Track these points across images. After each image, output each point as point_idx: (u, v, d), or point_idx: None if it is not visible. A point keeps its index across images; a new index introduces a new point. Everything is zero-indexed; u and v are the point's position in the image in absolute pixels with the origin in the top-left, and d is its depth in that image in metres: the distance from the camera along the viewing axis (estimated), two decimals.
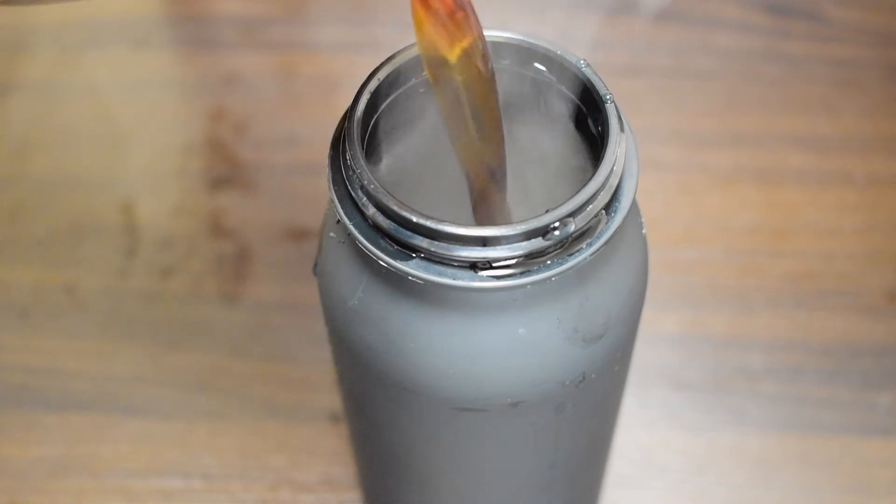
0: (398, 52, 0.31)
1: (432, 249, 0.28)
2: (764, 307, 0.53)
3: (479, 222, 0.32)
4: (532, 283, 0.28)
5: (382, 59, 0.31)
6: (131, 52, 0.65)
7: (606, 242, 0.29)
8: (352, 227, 0.29)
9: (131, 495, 0.48)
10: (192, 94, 0.64)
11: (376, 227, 0.29)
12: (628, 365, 0.36)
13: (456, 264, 0.28)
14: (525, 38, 0.31)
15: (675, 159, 0.59)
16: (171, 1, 0.69)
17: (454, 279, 0.28)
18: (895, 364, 0.51)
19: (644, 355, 0.50)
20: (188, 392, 0.50)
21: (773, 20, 0.66)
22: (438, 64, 0.29)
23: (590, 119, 0.31)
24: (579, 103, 0.31)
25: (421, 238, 0.28)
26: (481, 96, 0.30)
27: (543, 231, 0.28)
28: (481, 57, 0.29)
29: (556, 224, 0.28)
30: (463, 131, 0.30)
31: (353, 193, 0.29)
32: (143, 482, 0.48)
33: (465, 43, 0.29)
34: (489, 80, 0.30)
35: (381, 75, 0.31)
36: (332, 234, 0.32)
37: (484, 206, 0.31)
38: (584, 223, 0.28)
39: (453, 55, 0.29)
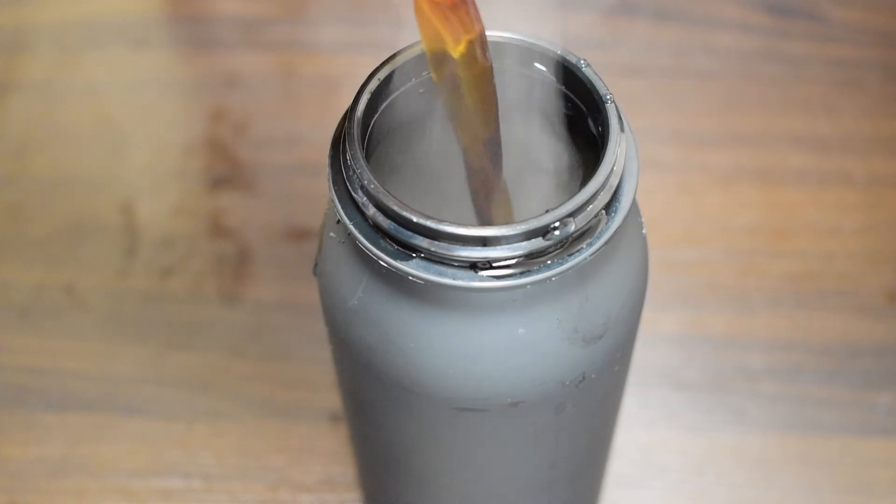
0: (398, 52, 0.31)
1: (432, 249, 0.28)
2: (764, 307, 0.53)
3: (475, 199, 0.31)
4: (532, 283, 0.28)
5: (382, 59, 0.31)
6: (131, 52, 0.65)
7: (606, 242, 0.29)
8: (352, 227, 0.29)
9: (131, 495, 0.48)
10: (192, 94, 0.64)
11: (376, 227, 0.29)
12: (628, 365, 0.36)
13: (456, 264, 0.28)
14: (525, 38, 0.31)
15: (675, 159, 0.59)
16: (171, 1, 0.69)
17: (454, 279, 0.28)
18: (895, 364, 0.51)
19: (644, 355, 0.50)
20: (188, 392, 0.50)
21: (773, 20, 0.66)
22: (441, 58, 0.29)
23: (590, 119, 0.31)
24: (579, 103, 0.31)
25: (421, 238, 0.28)
26: (481, 89, 0.30)
27: (543, 231, 0.28)
28: (481, 50, 0.29)
29: (557, 224, 0.28)
30: (461, 113, 0.30)
31: (353, 193, 0.29)
32: (143, 482, 0.48)
33: (469, 37, 0.29)
34: (489, 72, 0.30)
35: (381, 75, 0.31)
36: (332, 234, 0.32)
37: (479, 181, 0.31)
38: (584, 223, 0.28)
39: (457, 50, 0.29)
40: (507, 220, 0.29)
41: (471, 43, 0.29)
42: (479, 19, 0.29)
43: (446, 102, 0.31)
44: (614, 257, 0.31)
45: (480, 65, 0.29)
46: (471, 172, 0.31)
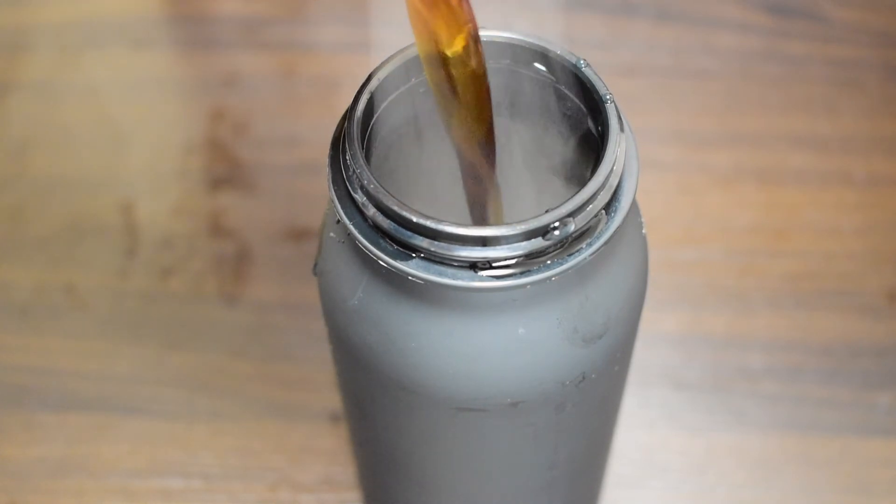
0: (398, 52, 0.31)
1: (432, 249, 0.28)
2: (764, 307, 0.53)
3: (470, 200, 0.31)
4: (532, 283, 0.28)
5: (382, 59, 0.31)
6: (131, 52, 0.65)
7: (606, 242, 0.29)
8: (352, 227, 0.29)
9: (131, 495, 0.48)
10: (192, 94, 0.64)
11: (376, 227, 0.29)
12: (628, 365, 0.36)
13: (456, 264, 0.28)
14: (525, 38, 0.31)
15: (675, 159, 0.59)
16: (171, 1, 0.69)
17: (454, 279, 0.28)
18: (895, 364, 0.51)
19: (644, 355, 0.50)
20: (188, 392, 0.50)
21: (773, 20, 0.66)
22: (435, 57, 0.29)
23: (590, 119, 0.31)
24: (579, 103, 0.31)
25: (421, 238, 0.28)
26: (475, 87, 0.30)
27: (543, 231, 0.28)
28: (475, 47, 0.29)
29: (556, 224, 0.28)
30: (454, 111, 0.30)
31: (353, 193, 0.29)
32: (143, 482, 0.48)
33: (463, 34, 0.29)
34: (482, 70, 0.30)
35: (381, 75, 0.31)
36: (332, 234, 0.32)
37: (474, 181, 0.31)
38: (584, 223, 0.28)
39: (451, 47, 0.29)
40: (503, 220, 0.29)
41: (464, 40, 0.29)
42: (471, 16, 0.29)
43: (439, 101, 0.30)
44: (614, 257, 0.31)
45: (474, 62, 0.29)
46: (465, 173, 0.31)
